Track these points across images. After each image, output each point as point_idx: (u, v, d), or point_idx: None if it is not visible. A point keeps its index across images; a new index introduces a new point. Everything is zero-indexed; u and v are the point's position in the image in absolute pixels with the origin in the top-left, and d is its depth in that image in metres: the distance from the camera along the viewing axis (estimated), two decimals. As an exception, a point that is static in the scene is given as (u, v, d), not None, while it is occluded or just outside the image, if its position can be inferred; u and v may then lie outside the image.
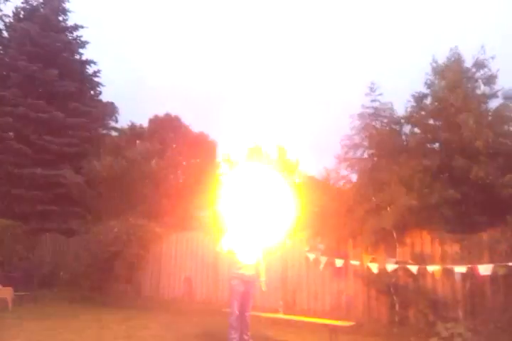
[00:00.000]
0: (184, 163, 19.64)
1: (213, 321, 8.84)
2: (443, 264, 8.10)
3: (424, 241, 8.68)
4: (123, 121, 20.81)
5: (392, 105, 9.99)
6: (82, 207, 14.80)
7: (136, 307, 10.93)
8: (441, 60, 10.52)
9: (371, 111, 9.91)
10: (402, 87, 10.95)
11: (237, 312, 7.05)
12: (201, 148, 19.54)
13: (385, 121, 9.90)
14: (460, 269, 7.73)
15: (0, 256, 13.23)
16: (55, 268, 13.51)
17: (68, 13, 17.69)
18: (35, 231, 14.65)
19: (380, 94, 9.88)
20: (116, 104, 19.74)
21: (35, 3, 17.35)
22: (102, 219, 13.14)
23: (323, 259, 9.39)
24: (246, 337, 7.15)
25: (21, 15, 17.33)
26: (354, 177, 10.46)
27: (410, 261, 8.44)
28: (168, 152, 16.88)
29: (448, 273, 8.07)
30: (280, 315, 7.92)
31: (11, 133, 15.57)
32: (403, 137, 10.00)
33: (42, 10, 17.03)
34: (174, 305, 10.80)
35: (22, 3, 17.31)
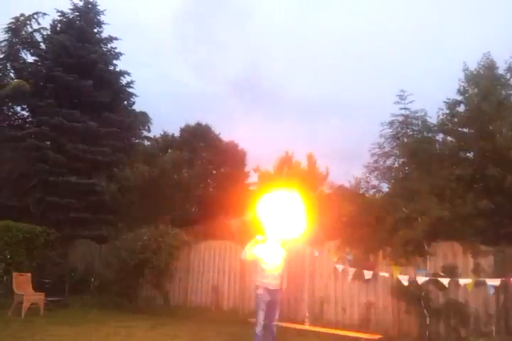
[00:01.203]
0: (214, 171, 19.79)
1: (240, 331, 8.78)
2: (475, 277, 7.83)
3: (456, 252, 8.42)
4: (155, 130, 21.19)
5: (425, 113, 9.81)
6: (114, 214, 15.02)
7: (164, 315, 10.97)
8: (473, 65, 10.31)
9: (401, 119, 9.74)
10: (434, 95, 10.75)
11: (262, 322, 7.01)
12: (231, 157, 19.65)
13: (416, 129, 9.68)
14: (493, 282, 7.45)
15: (34, 262, 13.55)
16: (86, 275, 13.72)
17: (103, 25, 18.20)
18: (68, 238, 14.94)
19: (411, 102, 9.71)
20: (150, 113, 20.16)
21: (71, 16, 17.87)
22: (133, 226, 13.28)
23: (352, 270, 9.22)
24: (272, 347, 7.09)
25: (58, 28, 17.88)
26: (384, 187, 10.30)
27: (441, 274, 8.19)
28: (198, 161, 17.01)
29: (481, 286, 7.79)
30: (306, 327, 7.78)
31: (47, 143, 16.01)
32: (436, 145, 9.76)
33: (77, 22, 17.53)
34: (201, 314, 10.78)
35: (59, 16, 17.85)
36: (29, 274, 11.45)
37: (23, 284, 10.89)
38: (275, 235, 7.28)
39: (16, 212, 14.87)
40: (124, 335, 8.42)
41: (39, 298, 10.71)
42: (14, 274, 11.07)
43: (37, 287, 11.27)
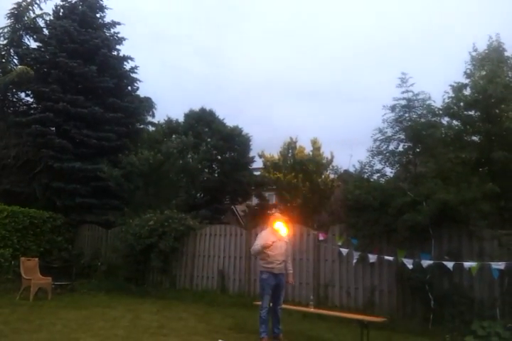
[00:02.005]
0: (219, 157, 19.75)
1: (245, 314, 8.89)
2: (480, 261, 7.84)
3: (461, 236, 8.43)
4: (160, 116, 21.13)
5: (429, 96, 9.69)
6: (119, 199, 15.06)
7: (170, 298, 11.12)
8: (482, 48, 10.18)
9: (404, 102, 9.64)
10: (439, 79, 10.62)
11: (267, 306, 7.08)
12: (235, 142, 19.58)
13: (419, 112, 9.58)
14: (498, 266, 7.46)
15: (41, 247, 13.69)
16: (93, 259, 13.83)
17: (106, 10, 17.98)
18: (75, 223, 15.05)
19: (412, 85, 9.59)
20: (154, 98, 20.07)
21: (73, 1, 17.66)
22: (139, 211, 13.36)
23: (356, 254, 9.27)
24: (277, 331, 7.19)
25: (61, 13, 17.67)
26: (388, 171, 10.26)
27: (446, 257, 8.21)
28: (202, 146, 16.97)
29: (485, 269, 7.82)
30: (311, 310, 7.85)
31: (52, 128, 15.99)
32: (441, 129, 9.67)
33: (80, 7, 17.34)
34: (207, 297, 10.90)
35: (61, 1, 17.61)
36: (36, 259, 11.59)
37: (30, 269, 11.02)
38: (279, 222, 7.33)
39: (23, 197, 14.95)
40: (131, 318, 8.53)
41: (46, 282, 10.84)
42: (22, 259, 11.21)
43: (44, 272, 11.39)
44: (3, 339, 6.30)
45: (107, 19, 18.03)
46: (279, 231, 7.24)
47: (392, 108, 9.76)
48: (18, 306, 9.36)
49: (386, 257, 8.78)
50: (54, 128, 16.03)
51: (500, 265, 7.47)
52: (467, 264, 7.81)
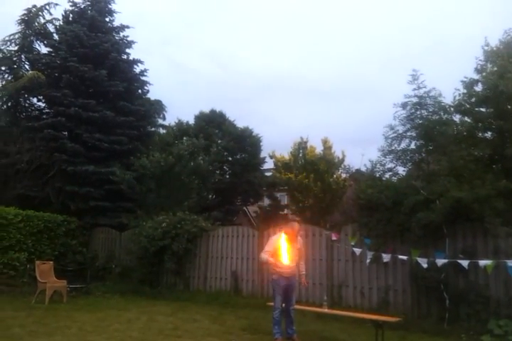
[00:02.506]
0: (230, 158, 19.79)
1: (258, 315, 8.89)
2: (496, 259, 7.74)
3: (475, 234, 8.34)
4: (170, 118, 21.25)
5: (440, 92, 9.58)
6: (132, 202, 15.16)
7: (184, 300, 11.15)
8: (494, 43, 10.04)
9: (415, 100, 9.55)
10: (450, 75, 10.52)
11: (280, 307, 7.07)
12: (246, 143, 19.61)
13: (431, 109, 9.50)
14: (514, 264, 7.37)
15: (55, 251, 13.81)
16: (107, 262, 13.94)
17: (115, 14, 18.08)
18: (88, 227, 15.18)
19: (423, 81, 9.50)
20: (164, 101, 20.18)
21: (82, 6, 17.80)
22: (152, 213, 13.43)
23: (370, 254, 9.21)
24: (290, 331, 7.17)
25: (70, 18, 17.82)
26: (400, 170, 10.18)
27: (461, 256, 8.12)
28: (213, 148, 17.00)
29: (501, 267, 7.71)
30: (325, 310, 7.81)
31: (64, 133, 16.14)
32: (453, 126, 9.57)
33: (89, 12, 17.47)
34: (221, 299, 10.92)
35: (70, 6, 17.77)
36: (51, 262, 11.70)
37: (45, 272, 11.12)
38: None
39: (37, 202, 15.11)
40: (146, 320, 8.57)
41: (62, 285, 10.94)
42: (37, 262, 11.32)
43: (59, 275, 11.51)
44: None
45: (116, 23, 18.16)
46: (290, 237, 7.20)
47: (404, 105, 9.68)
48: (34, 309, 9.45)
49: (400, 256, 8.70)
50: (66, 133, 16.19)
51: (516, 263, 7.38)
52: (482, 262, 7.71)
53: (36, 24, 18.44)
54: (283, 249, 7.09)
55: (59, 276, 11.37)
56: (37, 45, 18.45)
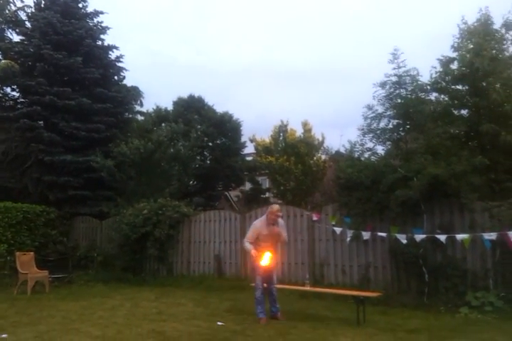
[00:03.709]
0: (210, 143, 19.70)
1: (242, 296, 8.94)
2: (472, 233, 7.89)
3: (452, 210, 8.47)
4: (148, 105, 21.03)
5: (417, 71, 9.62)
6: (112, 190, 15.03)
7: (168, 285, 11.16)
8: (471, 21, 10.09)
9: (395, 79, 9.58)
10: (428, 54, 10.56)
11: (261, 286, 7.14)
12: (226, 128, 19.52)
13: (410, 89, 9.54)
14: (490, 236, 7.52)
15: (36, 241, 13.65)
16: (89, 251, 13.81)
17: (88, 0, 17.74)
18: (68, 216, 15.01)
19: (404, 61, 9.52)
20: (141, 88, 19.92)
21: (54, -9, 17.39)
22: (132, 201, 13.36)
23: (350, 233, 9.31)
24: (274, 310, 7.26)
25: (42, 5, 17.38)
26: (380, 149, 10.25)
27: (438, 231, 8.26)
28: (193, 133, 16.89)
29: (478, 241, 7.88)
30: (308, 288, 7.90)
31: (40, 122, 15.84)
32: (430, 105, 9.64)
33: (61, -2, 17.07)
34: (205, 282, 10.95)
35: (42, -8, 17.38)
36: (32, 253, 11.57)
37: (26, 263, 11.00)
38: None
39: (15, 193, 14.91)
40: (130, 306, 8.56)
41: (43, 275, 10.86)
42: (17, 254, 11.20)
43: (41, 265, 11.40)
44: (3, 333, 6.28)
45: (90, 9, 17.78)
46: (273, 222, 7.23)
47: (383, 85, 9.70)
48: (17, 300, 9.37)
49: (379, 234, 8.82)
50: (42, 122, 15.88)
51: (492, 236, 7.52)
52: (460, 236, 7.85)
53: (7, 12, 17.95)
54: (262, 234, 7.16)
55: (40, 267, 11.25)
56: (9, 33, 17.98)
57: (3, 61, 16.01)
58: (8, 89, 17.31)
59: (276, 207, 7.43)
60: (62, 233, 14.55)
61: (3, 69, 15.15)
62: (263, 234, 7.17)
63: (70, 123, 15.38)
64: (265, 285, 7.24)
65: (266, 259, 7.10)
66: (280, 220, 7.40)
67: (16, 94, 17.29)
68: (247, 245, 7.23)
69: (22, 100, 16.92)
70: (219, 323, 6.89)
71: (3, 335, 6.17)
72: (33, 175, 15.16)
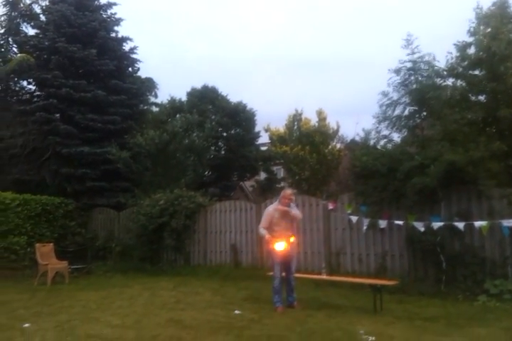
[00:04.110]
0: (224, 133, 19.68)
1: (259, 285, 8.99)
2: (490, 220, 7.79)
3: (470, 197, 8.37)
4: (162, 96, 21.04)
5: (434, 56, 9.45)
6: (129, 181, 15.16)
7: (185, 275, 11.26)
8: (486, 6, 9.86)
9: (409, 65, 9.44)
10: (444, 38, 10.35)
11: (279, 276, 7.15)
12: (240, 118, 19.47)
13: (425, 74, 9.38)
14: (509, 223, 7.41)
15: (55, 233, 13.85)
16: (107, 241, 13.99)
17: (100, -9, 17.72)
18: (86, 207, 15.19)
19: (418, 46, 9.36)
20: (155, 79, 19.94)
21: (68, -15, 17.41)
22: (149, 191, 13.45)
23: (366, 221, 9.26)
24: (291, 299, 7.28)
25: (56, -2, 17.51)
26: (395, 136, 10.13)
27: (456, 219, 8.17)
28: (207, 123, 16.88)
29: (496, 228, 7.77)
30: (324, 277, 7.91)
31: (57, 115, 15.98)
32: (446, 91, 9.48)
33: (74, -10, 17.09)
34: (222, 272, 11.04)
35: (56, -15, 17.41)
36: (51, 244, 11.78)
37: (46, 254, 11.20)
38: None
39: (33, 185, 15.09)
40: (148, 296, 8.67)
41: (63, 266, 11.04)
42: (37, 245, 11.40)
43: (60, 256, 11.60)
44: (25, 323, 6.39)
45: (103, 0, 17.79)
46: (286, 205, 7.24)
47: (397, 71, 9.56)
48: (37, 291, 9.54)
49: (396, 222, 8.75)
50: (58, 115, 16.02)
51: (511, 222, 7.42)
52: (478, 224, 7.75)
53: (22, 5, 18.09)
54: (276, 218, 7.20)
55: (60, 258, 11.47)
56: (24, 27, 18.17)
57: (19, 55, 16.17)
58: (25, 83, 17.51)
59: (289, 191, 7.53)
60: (81, 224, 14.74)
61: (19, 63, 15.28)
62: (276, 218, 7.19)
63: (85, 115, 15.49)
64: (283, 274, 7.26)
65: (281, 244, 7.10)
66: (292, 205, 7.46)
67: (32, 87, 17.49)
68: (262, 231, 7.29)
69: (38, 93, 17.10)
70: (236, 312, 6.93)
71: (26, 325, 6.30)
72: (50, 167, 15.34)
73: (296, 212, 7.41)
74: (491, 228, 7.75)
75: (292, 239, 7.32)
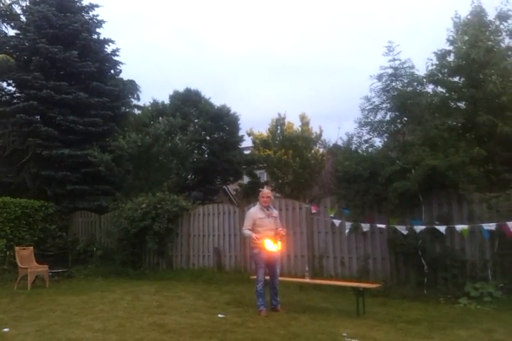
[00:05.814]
0: (207, 137, 19.65)
1: (242, 289, 9.01)
2: (471, 223, 7.94)
3: (450, 201, 8.52)
4: (145, 98, 20.93)
5: (412, 63, 9.63)
6: (111, 184, 15.00)
7: (168, 279, 11.20)
8: (464, 14, 10.10)
9: (391, 71, 9.58)
10: (424, 47, 10.55)
11: (263, 279, 7.17)
12: (223, 121, 19.48)
13: (406, 81, 9.55)
14: (489, 227, 7.57)
15: (35, 236, 13.64)
16: (88, 245, 13.80)
17: (83, -8, 17.57)
18: (67, 211, 14.97)
19: (399, 53, 9.50)
20: (137, 81, 19.80)
21: (49, -15, 17.23)
22: (131, 195, 13.35)
23: (349, 224, 9.35)
24: (275, 302, 7.29)
25: (37, -1, 17.32)
26: (377, 141, 10.27)
27: (437, 222, 8.31)
28: (191, 127, 16.85)
29: (476, 232, 7.93)
30: (307, 280, 7.95)
31: (37, 117, 15.77)
32: (426, 97, 9.66)
33: (57, -9, 16.92)
34: (205, 276, 10.99)
35: (37, -15, 17.22)
36: (31, 248, 11.59)
37: (26, 258, 11.02)
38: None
39: (13, 188, 14.86)
40: (130, 300, 8.59)
41: (43, 270, 10.87)
42: (17, 248, 11.20)
43: (40, 260, 11.42)
44: (4, 328, 6.30)
45: (85, 2, 17.63)
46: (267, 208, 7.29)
47: (379, 77, 9.69)
48: (17, 295, 9.39)
49: (378, 225, 8.86)
50: (39, 117, 15.79)
51: (491, 226, 7.58)
52: (459, 227, 7.91)
53: (1, 5, 17.81)
54: (259, 220, 7.22)
55: (40, 261, 11.29)
56: (3, 27, 17.87)
57: (-2, 55, 15.92)
58: (4, 84, 17.20)
59: (266, 190, 7.72)
60: (61, 228, 14.52)
61: (-1, 64, 15.05)
62: (259, 218, 7.22)
63: (66, 117, 15.29)
64: (267, 278, 7.28)
65: (269, 244, 7.10)
66: (272, 207, 7.53)
67: (12, 88, 17.19)
68: (246, 232, 7.30)
69: (18, 95, 16.82)
70: (220, 315, 6.92)
71: (5, 329, 6.21)
72: (30, 169, 15.11)
73: (276, 215, 7.49)
74: (472, 231, 7.91)
75: (279, 245, 7.32)
